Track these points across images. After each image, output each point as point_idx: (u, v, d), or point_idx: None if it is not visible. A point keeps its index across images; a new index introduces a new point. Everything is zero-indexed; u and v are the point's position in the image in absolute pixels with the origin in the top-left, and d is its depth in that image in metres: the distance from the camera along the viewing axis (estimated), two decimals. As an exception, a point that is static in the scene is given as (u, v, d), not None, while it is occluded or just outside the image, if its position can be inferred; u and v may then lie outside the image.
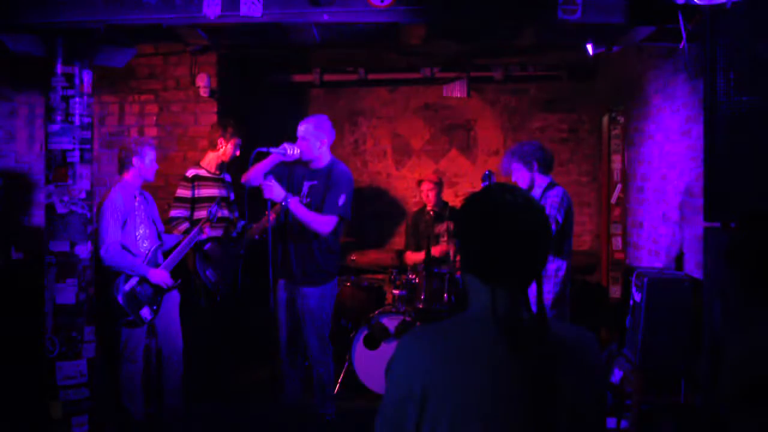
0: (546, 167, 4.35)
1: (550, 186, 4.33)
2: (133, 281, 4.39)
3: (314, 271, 4.42)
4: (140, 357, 4.50)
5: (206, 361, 5.13)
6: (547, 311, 1.60)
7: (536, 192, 4.33)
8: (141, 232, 4.50)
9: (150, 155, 4.48)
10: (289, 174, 4.46)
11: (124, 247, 4.38)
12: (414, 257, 6.13)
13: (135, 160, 4.45)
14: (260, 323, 4.88)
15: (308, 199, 4.36)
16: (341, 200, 4.35)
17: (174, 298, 4.69)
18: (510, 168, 4.40)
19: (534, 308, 1.53)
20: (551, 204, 4.20)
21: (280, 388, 4.59)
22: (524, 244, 1.51)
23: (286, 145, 4.34)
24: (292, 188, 4.41)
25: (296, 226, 4.38)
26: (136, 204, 4.50)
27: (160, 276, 4.44)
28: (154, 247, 4.54)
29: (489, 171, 4.24)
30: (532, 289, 1.53)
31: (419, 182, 6.30)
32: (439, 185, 6.22)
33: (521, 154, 4.35)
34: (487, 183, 4.18)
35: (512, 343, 1.47)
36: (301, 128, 4.41)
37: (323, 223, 4.31)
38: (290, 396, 4.58)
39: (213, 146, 5.24)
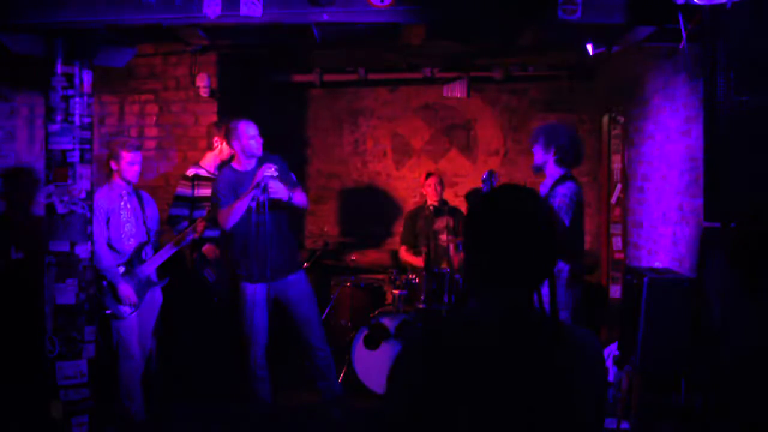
0: (565, 157, 4.03)
1: (562, 180, 4.01)
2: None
3: (294, 258, 4.67)
4: (137, 353, 4.51)
5: (204, 361, 5.13)
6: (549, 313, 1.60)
7: (546, 183, 4.09)
8: (126, 230, 4.53)
9: (126, 158, 4.49)
10: (238, 178, 4.48)
11: (110, 245, 4.44)
12: (408, 258, 6.16)
13: (112, 164, 4.50)
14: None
15: (264, 195, 4.40)
16: (293, 176, 4.70)
17: (157, 298, 4.69)
18: (536, 140, 4.12)
19: (545, 310, 1.54)
20: (559, 203, 3.89)
21: (252, 392, 4.59)
22: (531, 248, 1.52)
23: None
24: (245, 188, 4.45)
25: (272, 219, 4.44)
26: (122, 203, 4.53)
27: (126, 291, 4.44)
28: (139, 244, 4.56)
29: (489, 171, 4.10)
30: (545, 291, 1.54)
31: (428, 174, 6.32)
32: (442, 182, 6.28)
33: (548, 132, 4.08)
34: (488, 184, 4.08)
35: (521, 346, 1.47)
36: (253, 129, 4.49)
37: (305, 199, 4.69)
38: (264, 398, 4.59)
39: (210, 146, 5.28)
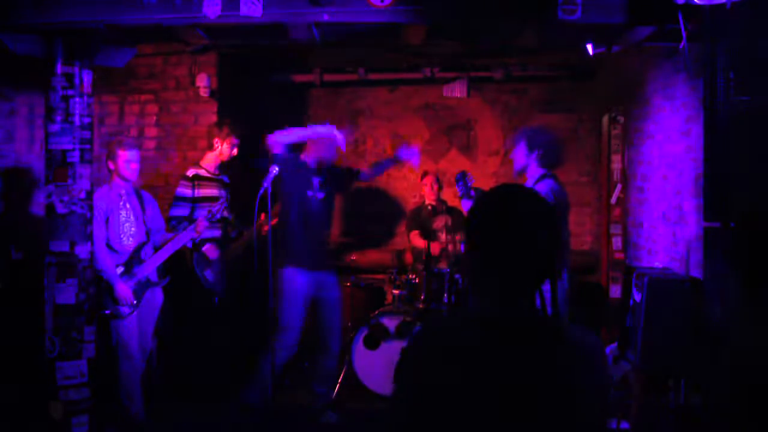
0: (547, 160, 4.12)
1: (542, 178, 4.08)
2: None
3: (331, 259, 4.85)
4: (136, 353, 4.50)
5: (204, 361, 5.12)
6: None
7: (527, 183, 4.11)
8: (125, 229, 4.53)
9: (123, 156, 4.49)
10: (298, 166, 4.72)
11: (109, 245, 4.45)
12: (417, 242, 6.15)
13: (110, 164, 4.51)
14: (260, 324, 4.88)
15: (323, 194, 4.76)
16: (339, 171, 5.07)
17: (157, 298, 4.69)
18: (515, 144, 4.19)
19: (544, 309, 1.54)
20: None
21: (254, 389, 4.58)
22: (532, 248, 1.52)
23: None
24: (309, 183, 4.72)
25: (318, 214, 4.68)
26: (121, 203, 4.53)
27: (123, 292, 4.44)
28: (138, 244, 4.56)
29: (462, 172, 4.23)
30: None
31: (424, 174, 6.33)
32: (439, 182, 6.29)
33: (530, 136, 4.16)
34: (461, 183, 4.18)
35: (522, 345, 1.47)
36: (339, 138, 4.78)
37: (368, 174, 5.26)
38: (266, 396, 4.53)
39: (210, 146, 5.28)
